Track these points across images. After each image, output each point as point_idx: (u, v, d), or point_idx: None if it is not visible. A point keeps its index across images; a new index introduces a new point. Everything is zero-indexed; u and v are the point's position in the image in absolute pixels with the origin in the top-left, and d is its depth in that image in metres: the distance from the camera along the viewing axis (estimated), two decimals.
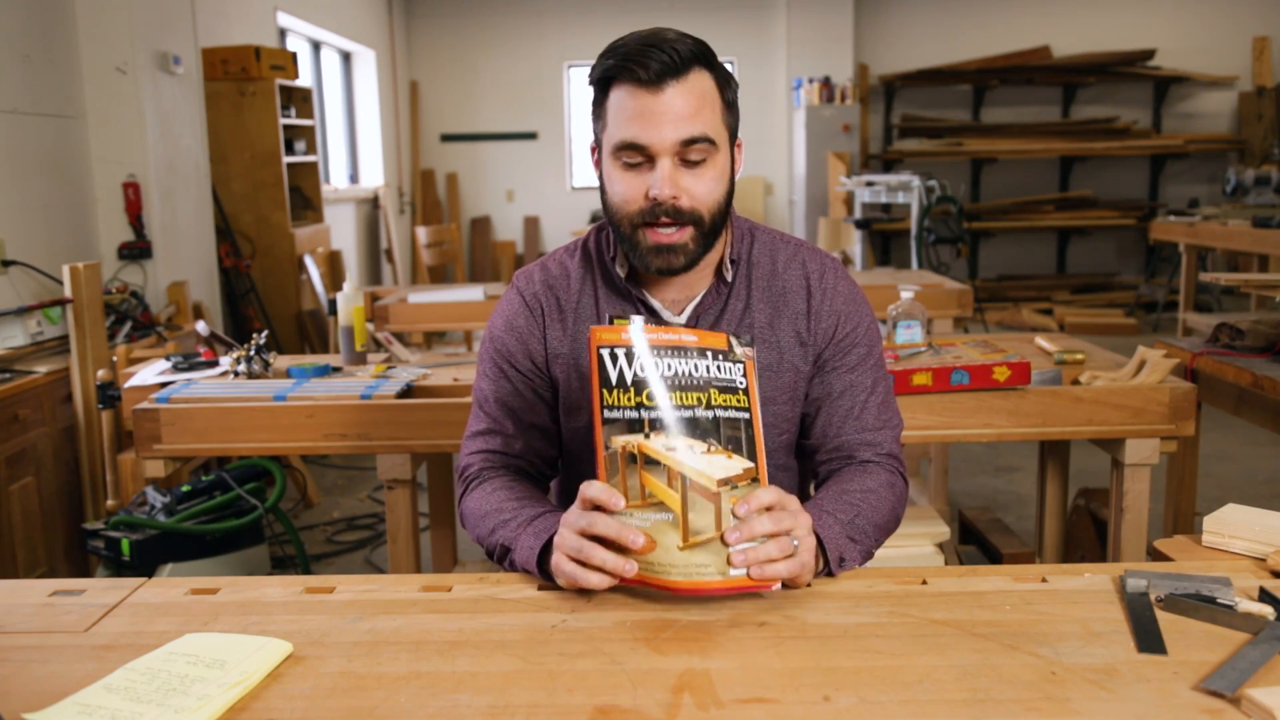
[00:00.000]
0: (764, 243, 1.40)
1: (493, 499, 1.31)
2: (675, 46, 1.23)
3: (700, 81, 1.25)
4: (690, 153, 1.24)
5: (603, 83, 1.28)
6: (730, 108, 1.30)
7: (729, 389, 1.13)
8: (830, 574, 1.21)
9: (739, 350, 1.15)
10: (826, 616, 1.12)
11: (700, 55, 1.25)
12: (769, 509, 1.10)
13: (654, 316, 1.37)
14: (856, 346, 1.38)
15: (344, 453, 2.38)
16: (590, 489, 1.11)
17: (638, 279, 1.37)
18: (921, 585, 1.20)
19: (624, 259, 1.37)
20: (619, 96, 1.25)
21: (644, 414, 1.10)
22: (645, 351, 1.12)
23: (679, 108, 1.23)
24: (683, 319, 1.37)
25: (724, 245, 1.37)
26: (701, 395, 1.12)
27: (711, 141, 1.25)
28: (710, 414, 1.12)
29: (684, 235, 1.26)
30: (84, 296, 3.10)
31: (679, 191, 1.25)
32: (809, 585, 1.17)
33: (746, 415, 1.13)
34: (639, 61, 1.22)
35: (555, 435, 1.42)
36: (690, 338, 1.14)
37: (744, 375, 1.15)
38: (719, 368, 1.14)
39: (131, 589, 1.24)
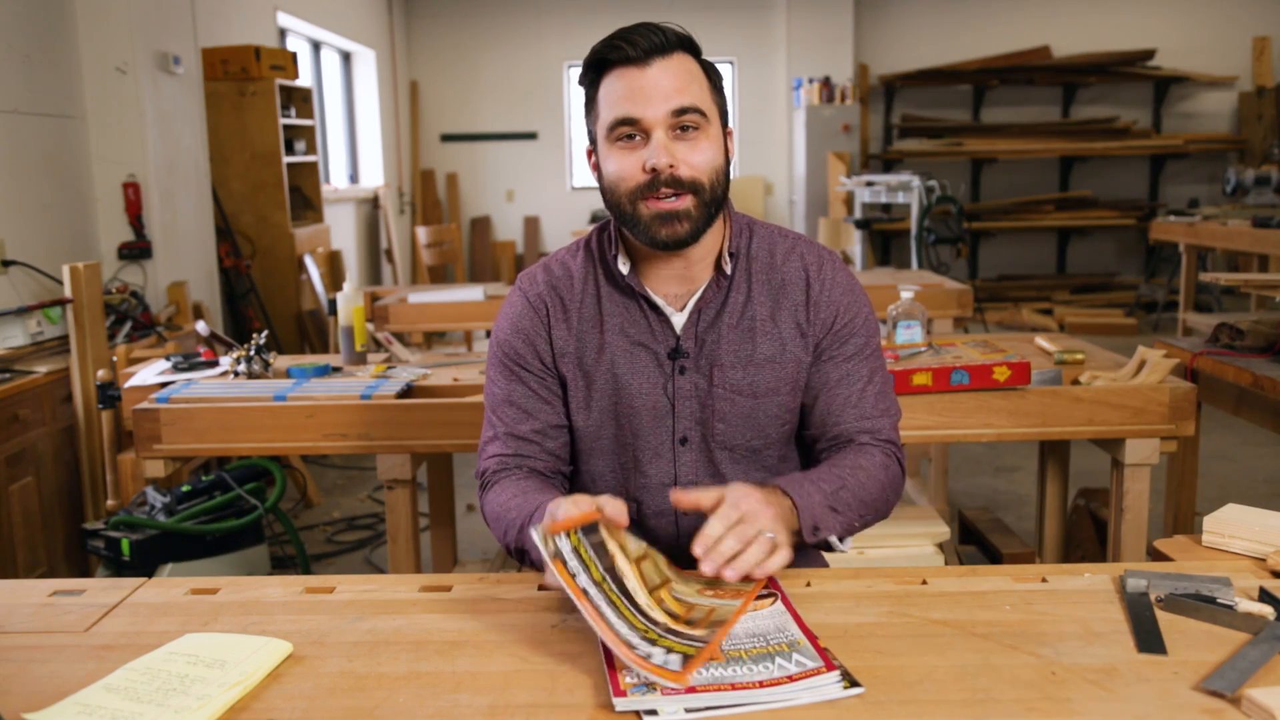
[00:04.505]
0: (762, 236, 1.42)
1: (500, 500, 1.33)
2: (661, 28, 1.28)
3: (686, 61, 1.30)
4: (683, 122, 1.27)
5: (593, 73, 1.32)
6: (718, 92, 1.34)
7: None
8: (805, 542, 1.22)
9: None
10: (826, 616, 1.12)
11: (685, 42, 1.30)
12: (734, 525, 1.10)
13: (656, 312, 1.37)
14: (854, 336, 1.40)
15: (344, 453, 2.38)
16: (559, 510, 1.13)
17: (639, 275, 1.38)
18: (921, 585, 1.20)
19: (626, 255, 1.38)
20: (609, 82, 1.29)
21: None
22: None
23: (667, 82, 1.27)
24: (684, 314, 1.37)
25: (723, 237, 1.39)
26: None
27: (702, 112, 1.28)
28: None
29: (685, 202, 1.28)
30: (84, 296, 3.10)
31: (675, 160, 1.27)
32: (789, 562, 1.13)
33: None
34: (627, 40, 1.27)
35: (569, 432, 1.43)
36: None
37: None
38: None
39: (131, 589, 1.24)
